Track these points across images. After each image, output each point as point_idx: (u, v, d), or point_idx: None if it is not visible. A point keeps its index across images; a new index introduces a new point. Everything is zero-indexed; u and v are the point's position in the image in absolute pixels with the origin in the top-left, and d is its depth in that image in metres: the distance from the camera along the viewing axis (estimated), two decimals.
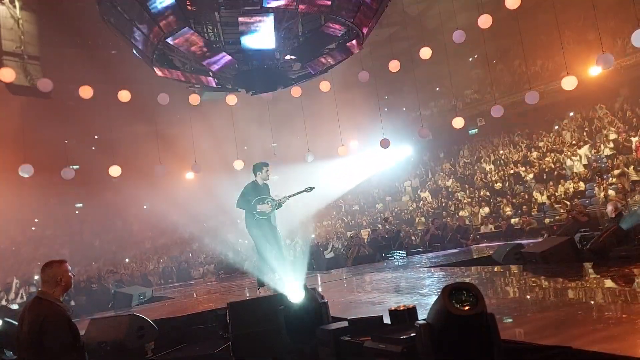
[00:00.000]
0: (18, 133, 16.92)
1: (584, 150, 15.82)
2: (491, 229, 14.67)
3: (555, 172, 15.89)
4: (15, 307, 10.67)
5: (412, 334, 2.63)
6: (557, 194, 14.84)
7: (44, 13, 14.81)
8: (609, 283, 5.09)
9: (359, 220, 20.93)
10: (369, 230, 17.68)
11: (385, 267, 10.34)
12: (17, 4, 12.86)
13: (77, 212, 22.78)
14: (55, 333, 3.17)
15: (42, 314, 3.22)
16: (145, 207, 24.21)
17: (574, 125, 18.00)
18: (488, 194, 17.33)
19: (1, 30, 12.37)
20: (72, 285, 3.51)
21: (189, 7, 7.22)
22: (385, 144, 15.95)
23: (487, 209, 16.25)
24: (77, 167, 15.68)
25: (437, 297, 2.29)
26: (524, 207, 14.91)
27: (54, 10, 15.63)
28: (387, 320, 3.40)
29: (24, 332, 3.24)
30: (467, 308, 2.16)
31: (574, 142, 16.78)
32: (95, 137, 21.67)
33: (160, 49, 7.61)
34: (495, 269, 7.30)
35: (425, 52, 14.43)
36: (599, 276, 5.67)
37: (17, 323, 3.73)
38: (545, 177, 16.09)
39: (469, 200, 17.59)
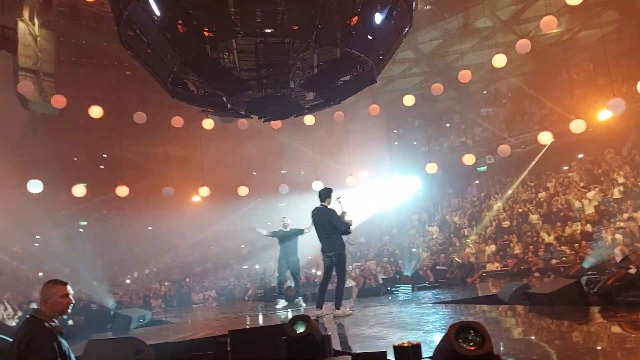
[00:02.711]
0: (27, 148, 17.15)
1: (592, 193, 15.74)
2: (497, 267, 14.48)
3: (562, 214, 15.79)
4: (13, 324, 10.56)
5: None
6: (564, 235, 14.71)
7: (62, 32, 15.15)
8: (616, 329, 4.99)
9: (365, 252, 20.76)
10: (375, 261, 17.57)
11: (390, 300, 10.20)
12: (36, 21, 13.16)
13: (80, 230, 22.76)
14: (38, 354, 3.14)
15: (30, 332, 3.21)
16: (149, 228, 24.20)
17: (583, 168, 17.96)
18: (495, 231, 17.19)
19: (19, 46, 12.62)
20: (64, 309, 3.40)
21: (206, 33, 7.35)
22: (395, 176, 16.00)
23: (493, 247, 16.09)
24: (85, 184, 15.75)
25: (442, 334, 2.24)
26: (531, 247, 14.76)
27: (72, 30, 16.00)
28: (390, 356, 3.32)
29: (14, 351, 3.21)
30: (473, 348, 2.11)
31: (582, 185, 16.71)
32: (104, 155, 21.85)
33: (175, 72, 7.73)
34: (501, 308, 7.18)
35: (437, 89, 14.58)
36: (605, 321, 5.57)
37: (11, 340, 3.71)
38: (553, 218, 15.98)
39: (476, 237, 17.45)
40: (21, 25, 12.41)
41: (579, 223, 14.83)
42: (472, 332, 2.16)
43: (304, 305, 9.38)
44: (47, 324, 3.28)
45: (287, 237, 9.41)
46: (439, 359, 2.31)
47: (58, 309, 3.35)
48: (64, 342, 3.33)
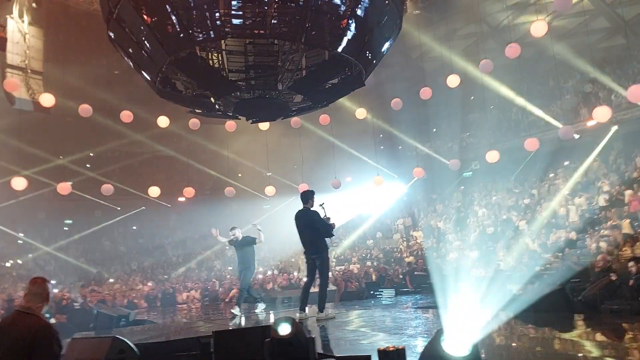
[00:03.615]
0: (13, 145, 16.92)
1: (578, 200, 15.91)
2: (481, 273, 14.56)
3: (546, 221, 15.94)
4: None
5: None
6: (548, 242, 14.84)
7: (51, 29, 14.99)
8: (600, 336, 5.05)
9: (348, 256, 20.78)
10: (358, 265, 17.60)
11: (373, 304, 10.22)
12: (25, 18, 13.01)
13: (65, 228, 22.50)
14: (47, 348, 3.16)
15: (33, 327, 3.19)
16: (134, 227, 24.01)
17: (569, 175, 18.16)
18: (479, 237, 17.30)
19: (8, 43, 12.47)
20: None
21: (194, 33, 7.31)
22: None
23: (477, 253, 16.20)
24: (71, 183, 15.59)
25: (426, 339, 2.25)
26: (515, 253, 14.87)
27: (61, 28, 15.84)
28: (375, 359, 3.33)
29: (6, 346, 3.16)
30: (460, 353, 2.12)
31: (567, 192, 16.89)
32: (91, 154, 21.64)
33: (164, 72, 7.68)
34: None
35: (425, 93, 14.64)
36: (589, 329, 5.63)
37: None
38: (537, 225, 16.12)
39: (460, 242, 17.55)
40: (10, 22, 12.26)
41: (563, 230, 14.98)
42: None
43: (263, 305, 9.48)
44: (46, 319, 3.34)
45: (240, 247, 9.25)
46: None
47: (47, 304, 3.39)
48: None
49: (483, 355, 3.67)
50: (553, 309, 6.28)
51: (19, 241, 20.88)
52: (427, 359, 2.30)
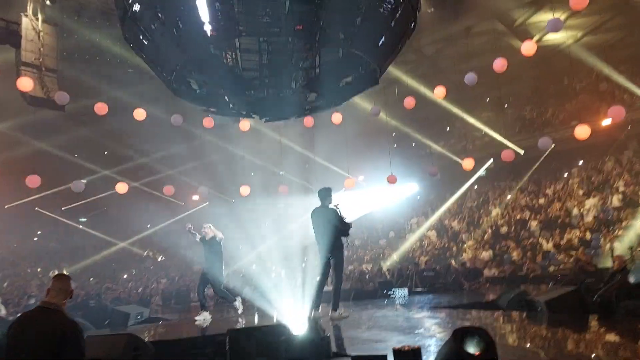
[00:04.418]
0: (28, 143, 17.18)
1: (592, 200, 15.74)
2: (494, 273, 14.48)
3: (560, 220, 15.79)
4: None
5: None
6: (562, 242, 14.71)
7: (66, 27, 15.15)
8: (615, 337, 4.99)
9: (360, 254, 20.75)
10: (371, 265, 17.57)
11: (386, 304, 10.19)
12: (39, 16, 13.15)
13: (80, 226, 22.74)
14: (76, 344, 3.19)
15: (61, 324, 3.21)
16: (148, 225, 24.19)
17: (583, 175, 17.98)
18: (493, 237, 17.19)
19: (22, 41, 12.61)
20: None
21: (210, 32, 7.34)
22: (392, 180, 15.93)
23: (490, 252, 16.10)
24: (85, 181, 15.78)
25: (440, 339, 2.23)
26: (529, 253, 14.76)
27: (75, 26, 16.00)
28: (390, 359, 3.32)
29: (32, 342, 3.17)
30: (478, 353, 2.10)
31: (581, 191, 16.72)
32: (105, 152, 21.84)
33: (178, 70, 7.72)
34: (499, 314, 7.17)
35: (439, 92, 14.52)
36: (604, 329, 5.56)
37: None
38: (551, 225, 15.98)
39: (473, 242, 17.45)
40: (25, 20, 12.39)
41: (577, 230, 14.83)
42: (477, 337, 2.15)
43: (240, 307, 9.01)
44: (71, 317, 3.35)
45: (207, 246, 8.87)
46: None
47: (68, 300, 3.42)
48: None
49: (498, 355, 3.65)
50: (568, 309, 6.21)
51: (34, 238, 21.16)
52: (443, 358, 2.28)
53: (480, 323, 6.19)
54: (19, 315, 3.50)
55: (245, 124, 15.03)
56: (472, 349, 2.11)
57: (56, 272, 3.51)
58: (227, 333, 4.51)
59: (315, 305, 7.08)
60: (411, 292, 11.52)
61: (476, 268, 14.09)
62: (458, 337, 2.17)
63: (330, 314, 7.05)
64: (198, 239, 8.96)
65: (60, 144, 18.70)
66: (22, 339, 3.21)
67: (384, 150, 19.33)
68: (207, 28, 6.86)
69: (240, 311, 8.89)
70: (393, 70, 16.48)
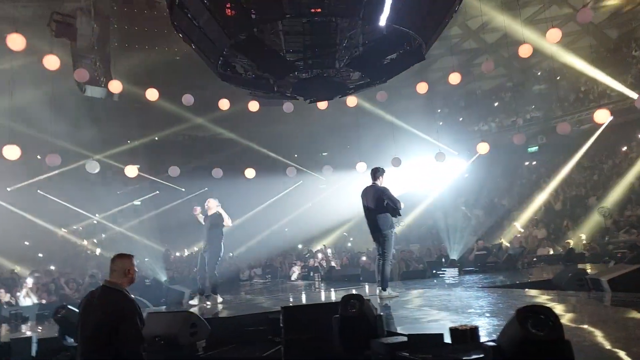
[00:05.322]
0: (85, 131, 17.97)
1: None
2: (549, 252, 14.05)
3: (619, 197, 15.09)
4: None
5: (478, 356, 2.52)
6: (621, 219, 14.08)
7: (117, 18, 15.64)
8: None
9: (408, 235, 20.55)
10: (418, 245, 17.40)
11: (435, 284, 10.11)
12: (92, 9, 13.56)
13: (134, 210, 23.54)
14: (133, 321, 3.36)
15: (120, 302, 3.40)
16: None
17: None
18: (546, 215, 16.66)
19: (77, 34, 13.08)
20: (134, 280, 3.63)
21: (253, 15, 7.35)
22: (440, 157, 15.64)
23: (544, 231, 15.61)
24: (138, 166, 16.45)
25: (496, 318, 2.18)
26: (585, 231, 14.23)
27: (125, 15, 16.47)
28: (447, 338, 3.29)
29: (95, 319, 3.37)
30: (543, 333, 2.04)
31: None
32: (156, 138, 22.44)
33: (225, 55, 7.80)
34: (556, 294, 6.95)
35: (487, 66, 14.03)
36: None
37: (77, 310, 3.89)
38: (609, 201, 15.30)
39: (526, 220, 16.96)
40: (79, 14, 12.84)
41: (638, 207, 14.16)
42: (542, 316, 2.08)
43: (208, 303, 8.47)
44: (130, 295, 3.51)
45: (207, 222, 8.53)
46: (505, 343, 2.23)
47: (134, 279, 3.59)
48: None
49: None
50: (633, 288, 5.95)
51: (95, 222, 22.11)
52: (507, 339, 2.23)
53: (537, 302, 6.03)
54: (88, 293, 3.69)
55: (289, 106, 15.06)
56: (537, 328, 2.06)
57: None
58: (282, 310, 4.59)
59: (382, 285, 7.03)
60: (461, 272, 11.37)
61: (529, 247, 13.73)
62: (522, 316, 2.11)
63: (379, 293, 7.04)
64: (202, 220, 8.63)
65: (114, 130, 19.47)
66: (87, 317, 3.44)
67: (430, 128, 18.97)
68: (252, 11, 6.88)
69: (193, 303, 8.46)
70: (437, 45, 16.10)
